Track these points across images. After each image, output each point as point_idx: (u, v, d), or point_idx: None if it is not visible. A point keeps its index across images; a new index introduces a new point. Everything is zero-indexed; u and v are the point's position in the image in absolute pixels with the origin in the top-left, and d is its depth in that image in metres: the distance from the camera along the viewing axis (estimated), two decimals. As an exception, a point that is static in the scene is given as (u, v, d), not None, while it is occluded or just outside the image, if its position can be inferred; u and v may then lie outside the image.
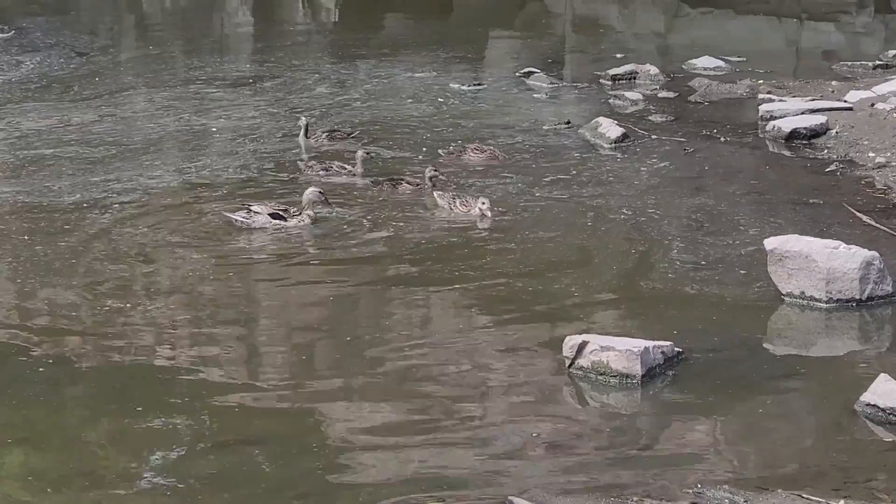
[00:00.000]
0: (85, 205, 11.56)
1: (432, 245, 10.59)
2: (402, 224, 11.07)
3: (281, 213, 11.05)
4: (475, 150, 12.90)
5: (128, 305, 9.36)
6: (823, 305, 9.18)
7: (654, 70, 16.64)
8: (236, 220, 11.02)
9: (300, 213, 11.06)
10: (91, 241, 10.67)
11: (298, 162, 12.82)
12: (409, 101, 15.60)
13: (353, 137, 13.62)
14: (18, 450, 7.32)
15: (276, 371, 8.46)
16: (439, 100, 15.60)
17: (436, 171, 12.05)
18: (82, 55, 18.64)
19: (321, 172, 12.42)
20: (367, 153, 12.62)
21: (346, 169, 12.45)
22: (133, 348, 8.72)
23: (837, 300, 9.18)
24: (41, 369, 8.35)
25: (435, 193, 11.58)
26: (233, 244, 10.72)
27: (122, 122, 14.72)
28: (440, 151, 13.05)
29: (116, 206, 11.56)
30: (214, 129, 14.35)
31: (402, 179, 12.00)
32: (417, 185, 11.91)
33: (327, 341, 8.87)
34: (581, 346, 8.19)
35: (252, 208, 11.06)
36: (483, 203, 11.15)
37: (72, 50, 18.98)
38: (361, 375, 8.29)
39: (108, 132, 14.19)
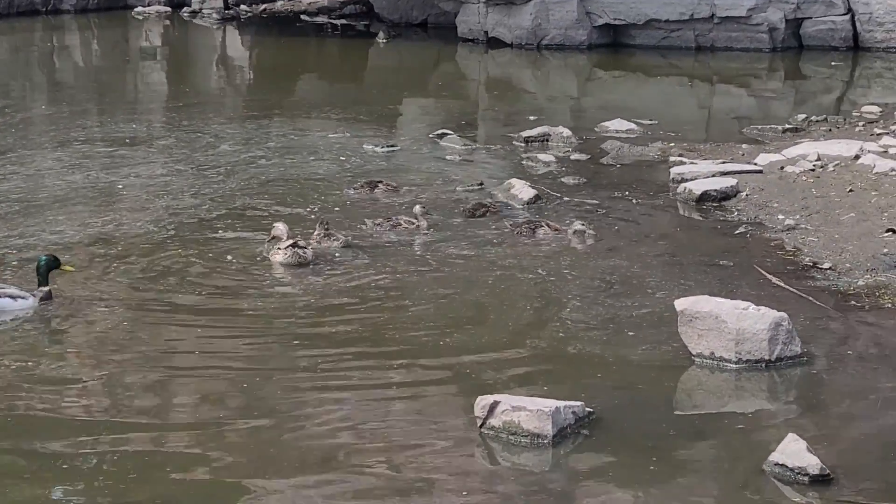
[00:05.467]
0: (-15, 260, 11.36)
1: (330, 302, 10.45)
2: (310, 278, 10.95)
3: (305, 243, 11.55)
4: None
5: (30, 363, 9.10)
6: (733, 366, 9.15)
7: (566, 132, 16.69)
8: (297, 257, 11.28)
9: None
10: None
11: (367, 220, 12.69)
12: (313, 158, 15.55)
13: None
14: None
15: (190, 433, 8.15)
16: (341, 158, 15.56)
17: (583, 224, 12.42)
18: (-16, 115, 18.47)
19: (389, 230, 12.48)
20: (423, 207, 12.77)
21: (413, 223, 12.54)
22: (46, 405, 8.45)
23: (747, 361, 9.15)
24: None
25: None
26: (146, 296, 10.52)
27: (28, 179, 14.49)
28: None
29: (16, 262, 11.32)
30: (121, 186, 14.17)
31: (542, 223, 12.39)
32: (556, 230, 12.26)
33: (234, 405, 8.66)
34: (493, 406, 8.08)
35: (298, 244, 11.40)
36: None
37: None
38: (267, 441, 8.07)
39: (12, 189, 13.96)
